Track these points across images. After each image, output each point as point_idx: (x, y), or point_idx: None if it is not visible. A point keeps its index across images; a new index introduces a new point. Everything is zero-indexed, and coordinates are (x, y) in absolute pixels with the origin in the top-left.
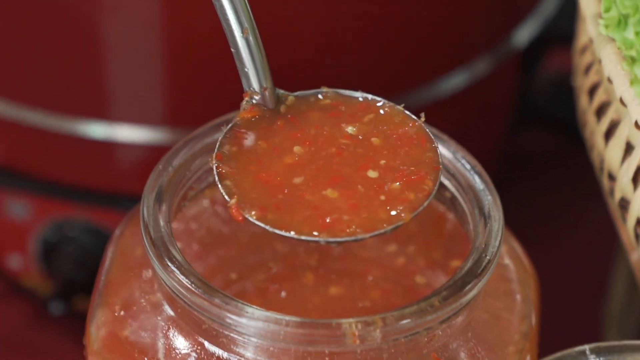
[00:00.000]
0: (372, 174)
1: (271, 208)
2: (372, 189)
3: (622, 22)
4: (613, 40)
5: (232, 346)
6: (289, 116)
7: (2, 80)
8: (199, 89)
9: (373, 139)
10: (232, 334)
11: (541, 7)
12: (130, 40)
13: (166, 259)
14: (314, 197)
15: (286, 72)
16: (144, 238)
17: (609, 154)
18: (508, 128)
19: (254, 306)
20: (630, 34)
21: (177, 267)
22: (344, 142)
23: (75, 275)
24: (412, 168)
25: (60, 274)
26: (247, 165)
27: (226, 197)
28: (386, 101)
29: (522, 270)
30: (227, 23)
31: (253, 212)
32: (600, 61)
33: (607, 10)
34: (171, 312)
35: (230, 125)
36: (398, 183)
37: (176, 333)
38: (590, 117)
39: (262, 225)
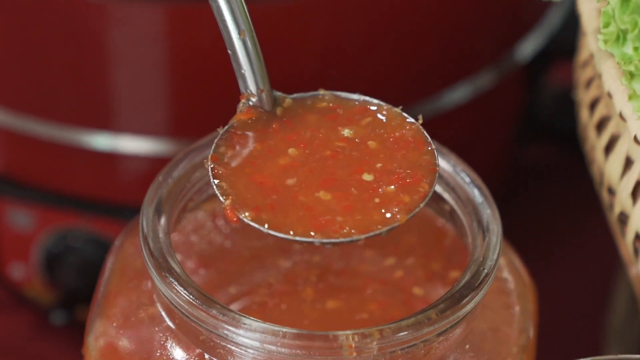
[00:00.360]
0: (367, 177)
1: (265, 208)
2: (367, 191)
3: (620, 37)
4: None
5: (229, 358)
6: (285, 119)
7: (6, 90)
8: (202, 101)
9: (370, 142)
10: (229, 346)
11: (545, 21)
12: (134, 52)
13: (165, 271)
14: (307, 199)
15: (290, 83)
16: (143, 249)
17: (609, 169)
18: (512, 141)
19: (252, 318)
20: (629, 49)
21: (175, 279)
22: (339, 145)
23: (78, 286)
24: (408, 171)
25: (63, 284)
26: (242, 167)
27: (221, 198)
28: (384, 103)
29: (521, 283)
30: (224, 24)
31: (247, 213)
32: (600, 76)
33: (606, 25)
34: (169, 324)
35: (226, 127)
36: (393, 186)
37: (174, 344)
38: (591, 132)
39: (256, 226)
